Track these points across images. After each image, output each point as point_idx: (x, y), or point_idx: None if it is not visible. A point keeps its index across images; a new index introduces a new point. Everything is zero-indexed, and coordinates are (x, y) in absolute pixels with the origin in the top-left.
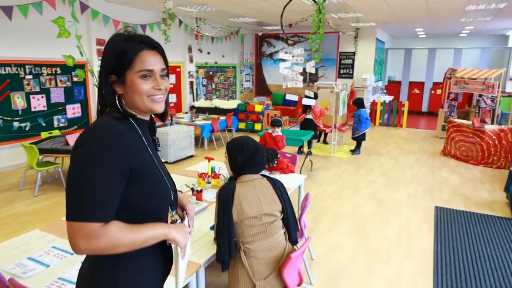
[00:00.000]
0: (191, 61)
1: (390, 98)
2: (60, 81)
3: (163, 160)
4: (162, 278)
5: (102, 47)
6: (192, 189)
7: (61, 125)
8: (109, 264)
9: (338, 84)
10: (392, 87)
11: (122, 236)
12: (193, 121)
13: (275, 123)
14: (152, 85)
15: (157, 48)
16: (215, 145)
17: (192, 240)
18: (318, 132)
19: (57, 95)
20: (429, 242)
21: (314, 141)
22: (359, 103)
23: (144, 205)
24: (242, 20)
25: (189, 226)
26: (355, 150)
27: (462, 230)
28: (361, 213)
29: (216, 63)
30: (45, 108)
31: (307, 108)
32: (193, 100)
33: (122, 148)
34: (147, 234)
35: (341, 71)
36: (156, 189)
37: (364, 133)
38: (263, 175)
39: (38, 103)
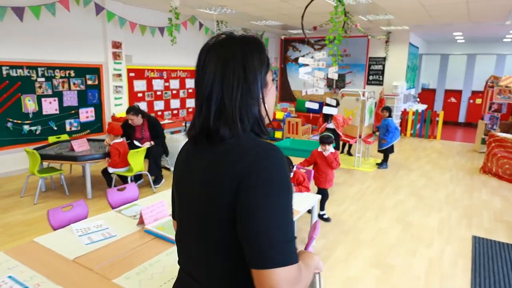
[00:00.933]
0: None
1: (424, 107)
2: (74, 84)
3: (172, 169)
4: None
5: (118, 50)
6: None
7: (73, 129)
8: None
9: (365, 91)
10: (426, 95)
11: (308, 274)
12: None
13: (325, 140)
14: None
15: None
16: None
17: None
18: (341, 143)
19: (70, 99)
20: (465, 284)
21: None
22: (388, 110)
23: None
24: (265, 23)
25: None
26: (382, 164)
27: (507, 268)
28: (385, 241)
29: None
30: (57, 112)
31: (328, 117)
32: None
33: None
34: (312, 267)
35: (370, 77)
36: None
37: (392, 145)
38: None
39: (50, 107)
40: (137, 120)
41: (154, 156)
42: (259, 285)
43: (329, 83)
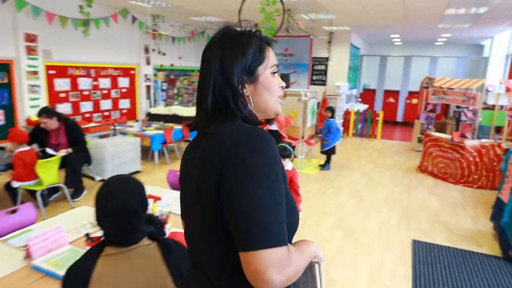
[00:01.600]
0: (148, 63)
1: (365, 107)
2: None
3: (97, 178)
4: None
5: (33, 44)
6: (87, 236)
7: None
8: None
9: (308, 91)
10: (367, 95)
11: (300, 260)
12: (144, 130)
13: (281, 153)
14: (278, 82)
15: (271, 46)
16: (167, 159)
17: None
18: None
19: None
20: None
21: None
22: (331, 111)
23: (289, 222)
24: (206, 19)
25: None
26: (325, 165)
27: (446, 273)
28: (327, 252)
29: (172, 65)
30: None
31: (270, 119)
32: (150, 106)
33: (280, 159)
34: (308, 253)
35: (314, 77)
36: (292, 203)
37: (334, 146)
38: (154, 238)
39: None
40: (52, 124)
41: (72, 165)
42: (246, 269)
43: None
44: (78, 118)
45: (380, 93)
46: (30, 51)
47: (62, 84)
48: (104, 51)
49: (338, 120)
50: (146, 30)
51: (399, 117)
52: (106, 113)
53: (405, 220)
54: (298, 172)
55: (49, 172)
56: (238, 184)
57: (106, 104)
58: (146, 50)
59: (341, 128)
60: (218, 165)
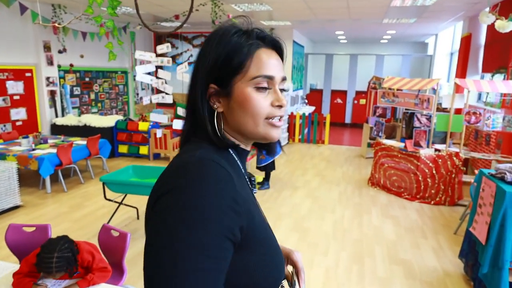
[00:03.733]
0: (51, 63)
1: (312, 109)
2: None
3: None
4: None
5: None
6: None
7: None
8: None
9: None
10: (314, 96)
11: None
12: (33, 149)
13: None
14: (271, 100)
15: (278, 47)
16: (64, 186)
17: None
18: None
19: None
20: None
21: None
22: None
23: (257, 284)
24: (123, 11)
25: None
26: (263, 184)
27: None
28: None
29: (71, 66)
30: None
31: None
32: (56, 116)
33: (231, 198)
34: None
35: None
36: (274, 259)
37: (273, 161)
38: None
39: None
40: None
41: None
42: None
43: None
44: None
45: (327, 94)
46: None
47: None
48: None
49: (283, 125)
50: (43, 22)
51: (348, 119)
52: None
53: (357, 263)
54: None
55: None
56: (152, 232)
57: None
58: (48, 48)
59: (286, 134)
60: (150, 203)
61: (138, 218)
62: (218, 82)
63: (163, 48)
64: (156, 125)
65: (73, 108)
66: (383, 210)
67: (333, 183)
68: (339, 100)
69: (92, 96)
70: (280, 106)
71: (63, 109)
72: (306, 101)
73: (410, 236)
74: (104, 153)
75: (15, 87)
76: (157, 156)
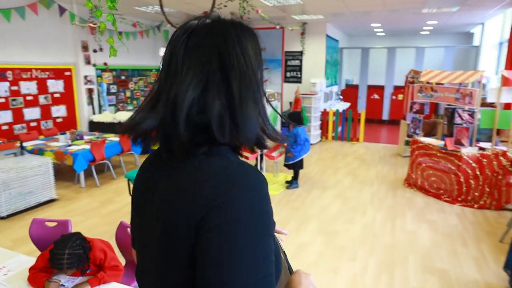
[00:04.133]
0: (88, 62)
1: (346, 105)
2: None
3: None
4: None
5: None
6: None
7: None
8: None
9: (270, 92)
10: (350, 92)
11: None
12: (69, 145)
13: None
14: None
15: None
16: (97, 181)
17: None
18: None
19: None
20: None
21: None
22: (295, 118)
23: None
24: (157, 9)
25: None
26: (292, 183)
27: None
28: None
29: (105, 64)
30: None
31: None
32: (93, 113)
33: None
34: None
35: (288, 74)
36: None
37: (302, 159)
38: None
39: None
40: None
41: None
42: None
43: None
44: None
45: (363, 89)
46: None
47: None
48: (25, 49)
49: (315, 122)
50: (80, 23)
51: (385, 115)
52: (34, 124)
53: (387, 271)
54: None
55: None
56: (221, 240)
57: (32, 113)
58: (85, 47)
59: (319, 131)
60: (198, 210)
61: None
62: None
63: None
64: None
65: (110, 105)
66: (419, 214)
67: (365, 183)
68: (376, 96)
69: (128, 93)
70: None
71: (100, 107)
72: (341, 97)
73: (448, 244)
74: (136, 149)
75: (55, 86)
76: None
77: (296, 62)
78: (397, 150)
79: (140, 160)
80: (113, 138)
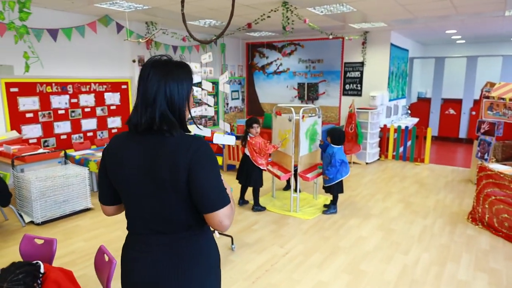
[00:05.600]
0: None
1: (414, 121)
2: None
3: (26, 220)
4: None
5: None
6: None
7: None
8: (204, 236)
9: (306, 107)
10: (420, 106)
11: (234, 207)
12: None
13: None
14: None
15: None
16: None
17: None
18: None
19: None
20: None
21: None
22: (334, 135)
23: None
24: (208, 22)
25: None
26: (330, 208)
27: None
28: None
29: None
30: None
31: (244, 139)
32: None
33: None
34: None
35: (347, 86)
36: None
37: (341, 182)
38: None
39: None
40: None
41: None
42: (211, 222)
43: (300, 93)
44: (51, 140)
45: (436, 103)
46: None
47: (28, 103)
48: (84, 65)
49: (372, 139)
50: (137, 38)
51: (462, 133)
52: (90, 134)
53: None
54: (290, 216)
55: None
56: (206, 172)
57: (89, 124)
58: (142, 62)
59: (377, 149)
60: (188, 163)
61: None
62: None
63: (206, 57)
64: (232, 134)
65: None
66: (479, 259)
67: (419, 214)
68: (451, 111)
69: None
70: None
71: None
72: (409, 111)
73: None
74: None
75: (112, 98)
76: (231, 168)
77: (356, 74)
78: (469, 175)
79: None
80: None
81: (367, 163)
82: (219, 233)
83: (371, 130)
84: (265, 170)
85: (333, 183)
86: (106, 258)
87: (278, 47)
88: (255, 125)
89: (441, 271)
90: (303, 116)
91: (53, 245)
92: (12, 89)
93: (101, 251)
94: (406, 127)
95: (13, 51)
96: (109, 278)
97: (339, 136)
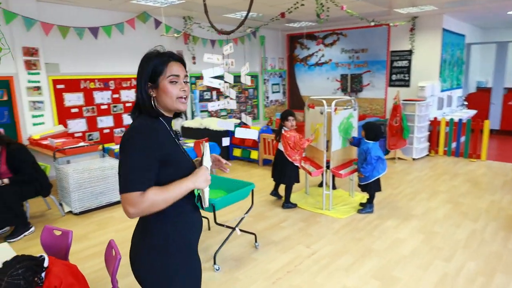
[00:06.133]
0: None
1: (471, 113)
2: None
3: (66, 210)
4: (199, 222)
5: (33, 58)
6: None
7: None
8: (156, 218)
9: (340, 99)
10: (479, 97)
11: (156, 198)
12: None
13: None
14: (179, 88)
15: (180, 60)
16: None
17: None
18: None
19: None
20: None
21: (296, 186)
22: (370, 130)
23: (178, 173)
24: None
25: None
26: (366, 207)
27: None
28: None
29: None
30: None
31: (278, 133)
32: (185, 119)
33: (155, 140)
34: (177, 191)
35: (393, 76)
36: (184, 171)
37: (378, 180)
38: None
39: None
40: None
41: (6, 201)
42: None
43: (343, 85)
44: (95, 134)
45: (498, 93)
46: (30, 65)
47: (73, 99)
48: (125, 61)
49: (420, 134)
50: (174, 33)
51: None
52: None
53: None
54: (321, 214)
55: None
56: (121, 154)
57: (130, 118)
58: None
59: (426, 144)
60: (120, 144)
61: (209, 229)
62: (151, 81)
63: (227, 49)
64: (268, 129)
65: (202, 111)
66: None
67: (467, 217)
68: None
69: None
70: (184, 91)
71: (192, 113)
72: (465, 103)
73: None
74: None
75: None
76: (267, 162)
77: (404, 63)
78: None
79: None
80: (190, 144)
81: (414, 159)
82: (240, 230)
83: (418, 123)
84: (299, 167)
85: (369, 181)
86: (113, 253)
87: (320, 37)
88: (290, 117)
89: (488, 283)
90: (335, 109)
91: (68, 237)
92: (58, 86)
93: (110, 246)
94: (460, 119)
95: (59, 50)
96: (113, 273)
97: (375, 131)
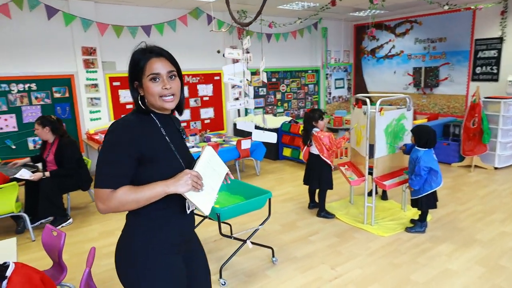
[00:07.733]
0: None
1: None
2: (36, 98)
3: None
4: (180, 226)
5: (91, 57)
6: None
7: (38, 147)
8: (133, 220)
9: (384, 97)
10: None
11: (126, 198)
12: (192, 147)
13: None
14: (161, 86)
15: (163, 55)
16: None
17: None
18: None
19: (31, 114)
20: None
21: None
22: (421, 134)
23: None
24: (305, 4)
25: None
26: (416, 225)
27: None
28: None
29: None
30: (15, 129)
31: (308, 136)
32: (238, 115)
33: (132, 136)
34: (148, 194)
35: (478, 69)
36: (168, 171)
37: (434, 194)
38: None
39: (6, 124)
40: (43, 134)
41: (45, 194)
42: None
43: (416, 80)
44: None
45: None
46: (88, 64)
47: (128, 96)
48: (177, 58)
49: (505, 138)
50: (226, 28)
51: None
52: (184, 124)
53: None
54: (361, 229)
55: (3, 200)
56: (100, 152)
57: (183, 115)
58: None
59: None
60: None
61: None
62: (137, 80)
63: (246, 42)
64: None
65: (257, 108)
66: None
67: None
68: None
69: (278, 96)
70: (166, 88)
71: (246, 110)
72: None
73: None
74: (258, 156)
75: (205, 90)
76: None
77: (492, 53)
78: None
79: (267, 166)
80: (233, 142)
81: (495, 168)
82: (252, 243)
83: (503, 125)
84: (332, 168)
85: (420, 196)
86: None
87: (391, 26)
88: (324, 117)
89: None
90: (380, 109)
91: (61, 238)
92: (114, 83)
93: (91, 253)
94: None
95: (115, 48)
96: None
97: (427, 136)
